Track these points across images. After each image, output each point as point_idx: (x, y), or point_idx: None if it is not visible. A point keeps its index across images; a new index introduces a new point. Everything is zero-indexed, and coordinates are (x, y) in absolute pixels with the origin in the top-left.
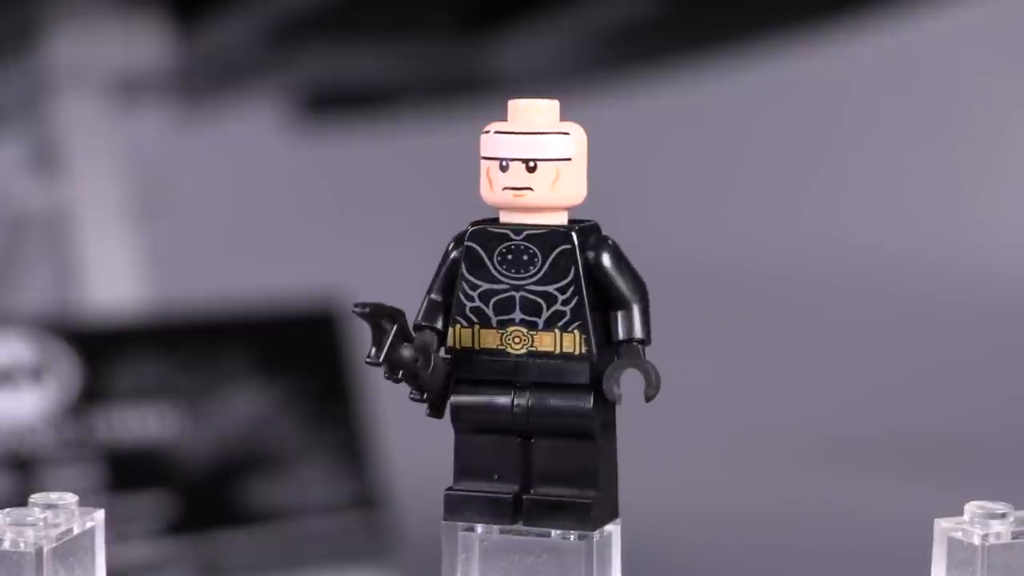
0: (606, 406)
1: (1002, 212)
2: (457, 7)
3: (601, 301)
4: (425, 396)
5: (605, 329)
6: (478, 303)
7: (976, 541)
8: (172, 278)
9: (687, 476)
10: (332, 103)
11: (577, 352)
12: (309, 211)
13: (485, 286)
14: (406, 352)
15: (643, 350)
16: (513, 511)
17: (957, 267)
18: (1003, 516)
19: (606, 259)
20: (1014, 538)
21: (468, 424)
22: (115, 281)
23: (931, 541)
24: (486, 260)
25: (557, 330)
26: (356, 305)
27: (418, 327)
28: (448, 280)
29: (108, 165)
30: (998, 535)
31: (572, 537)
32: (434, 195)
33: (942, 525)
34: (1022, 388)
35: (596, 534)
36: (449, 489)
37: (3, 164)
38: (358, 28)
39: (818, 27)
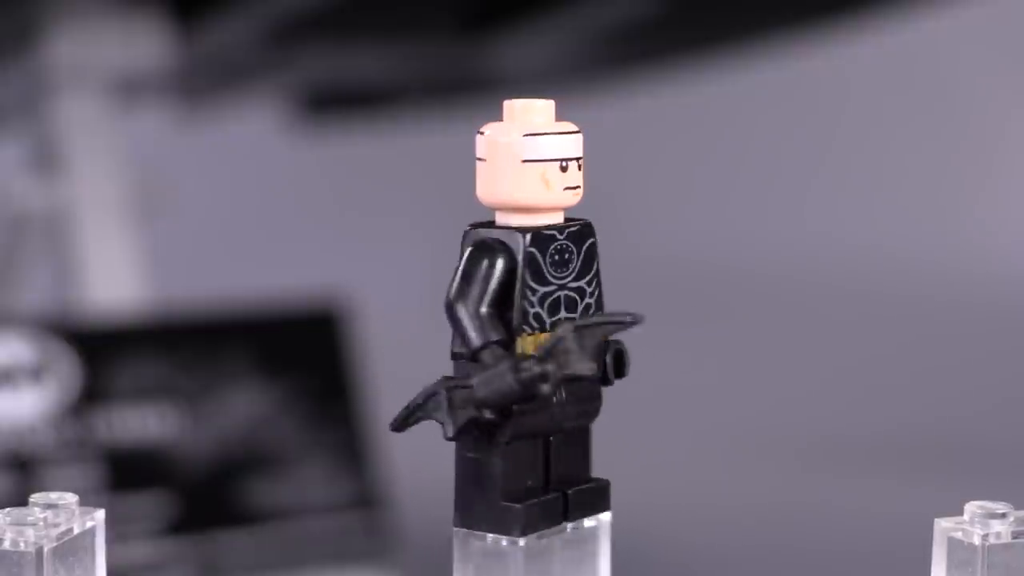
0: None
1: (1002, 212)
2: (457, 7)
3: None
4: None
5: None
6: (537, 308)
7: (976, 541)
8: (172, 278)
9: (687, 476)
10: (332, 103)
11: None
12: (309, 211)
13: (542, 290)
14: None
15: None
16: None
17: (957, 267)
18: (1003, 516)
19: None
20: (1014, 538)
21: (523, 432)
22: (115, 281)
23: (931, 541)
24: (542, 264)
25: None
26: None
27: (487, 344)
28: (502, 291)
29: (108, 165)
30: (998, 535)
31: (592, 521)
32: (434, 195)
33: (942, 525)
34: (1022, 388)
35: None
36: (521, 504)
37: (3, 164)
38: (358, 28)
39: (818, 27)
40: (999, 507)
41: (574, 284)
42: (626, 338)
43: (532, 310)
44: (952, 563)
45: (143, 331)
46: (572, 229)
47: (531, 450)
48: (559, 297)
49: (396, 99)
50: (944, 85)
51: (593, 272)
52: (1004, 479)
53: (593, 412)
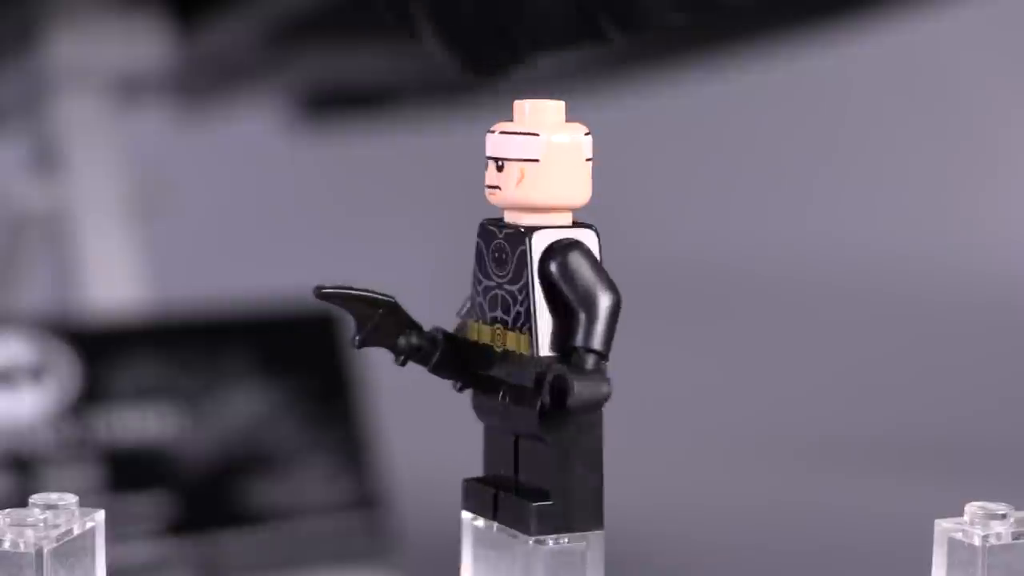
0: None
1: (1002, 212)
2: None
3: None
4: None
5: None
6: (480, 299)
7: (976, 542)
8: (172, 278)
9: (687, 476)
10: (332, 103)
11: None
12: (309, 211)
13: (484, 282)
14: (402, 340)
15: (591, 358)
16: None
17: (957, 267)
18: (1003, 517)
19: (554, 266)
20: (1014, 539)
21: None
22: (115, 281)
23: (931, 541)
24: (485, 256)
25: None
26: (320, 291)
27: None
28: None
29: (108, 165)
30: (998, 536)
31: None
32: (434, 195)
33: (942, 525)
34: (1022, 388)
35: None
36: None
37: (3, 164)
38: (358, 28)
39: (818, 27)
40: (999, 508)
41: (507, 287)
42: (626, 338)
43: (477, 299)
44: (952, 563)
45: (143, 331)
46: (509, 231)
47: (506, 445)
48: (496, 295)
49: (396, 99)
50: (944, 85)
51: (523, 283)
52: (1004, 479)
53: (531, 424)
